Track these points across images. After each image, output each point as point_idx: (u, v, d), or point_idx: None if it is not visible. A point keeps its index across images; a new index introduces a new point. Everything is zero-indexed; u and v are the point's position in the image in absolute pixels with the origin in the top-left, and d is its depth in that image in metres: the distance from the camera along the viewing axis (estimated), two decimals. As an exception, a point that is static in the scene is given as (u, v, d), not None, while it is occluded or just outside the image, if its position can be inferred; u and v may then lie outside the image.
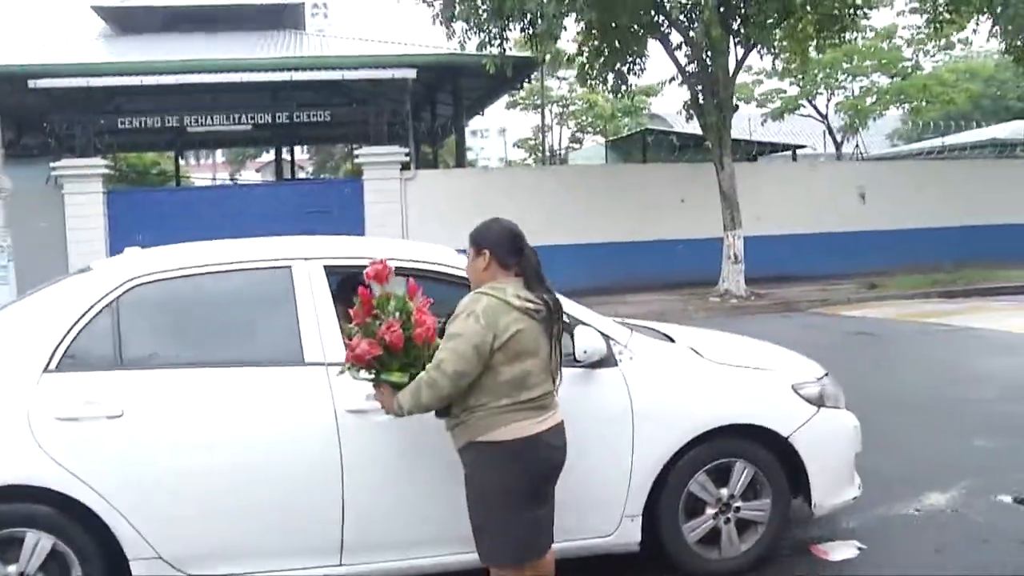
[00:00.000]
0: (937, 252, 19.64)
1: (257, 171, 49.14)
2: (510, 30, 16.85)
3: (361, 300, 3.18)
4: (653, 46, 17.93)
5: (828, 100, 30.22)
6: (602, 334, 3.79)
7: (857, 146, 25.89)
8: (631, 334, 3.97)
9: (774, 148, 26.14)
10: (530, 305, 3.17)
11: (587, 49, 18.14)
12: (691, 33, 16.92)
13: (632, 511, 3.89)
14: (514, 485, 3.14)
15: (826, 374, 4.41)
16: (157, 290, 3.69)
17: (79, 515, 3.41)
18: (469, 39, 16.74)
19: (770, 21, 16.48)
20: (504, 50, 16.90)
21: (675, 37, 17.38)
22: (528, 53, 18.40)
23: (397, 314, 3.15)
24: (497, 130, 51.44)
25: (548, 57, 18.12)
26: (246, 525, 3.52)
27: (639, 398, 3.82)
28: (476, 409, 3.14)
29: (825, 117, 29.82)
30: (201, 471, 3.47)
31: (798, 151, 27.29)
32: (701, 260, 17.96)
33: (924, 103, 27.54)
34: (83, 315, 3.57)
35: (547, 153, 35.58)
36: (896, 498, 5.14)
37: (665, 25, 17.19)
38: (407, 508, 3.64)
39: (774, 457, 4.10)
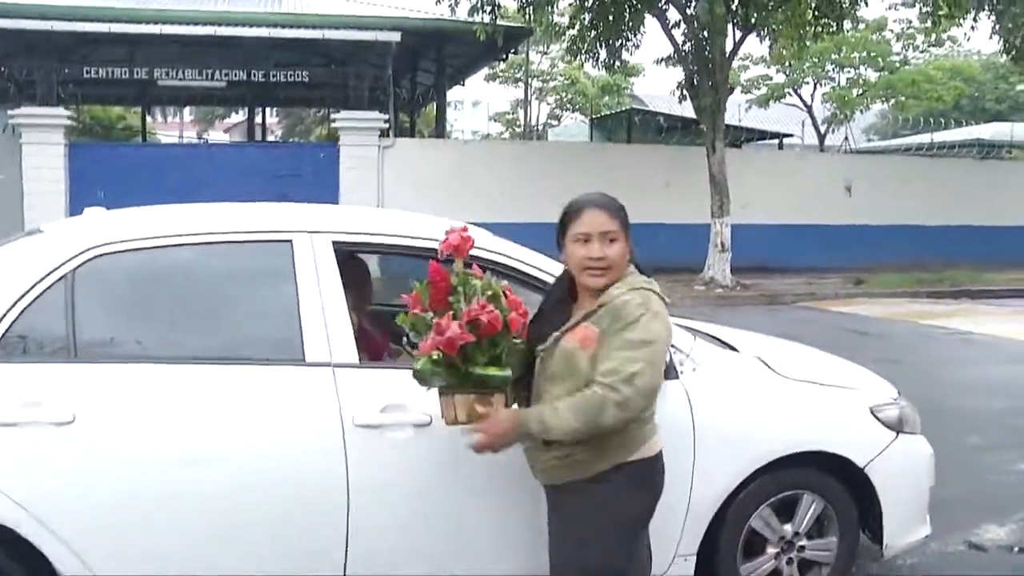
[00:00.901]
0: (921, 250, 19.42)
1: (226, 132, 47.86)
2: (504, -5, 16.21)
3: (434, 278, 2.44)
4: (648, 23, 17.41)
5: (814, 90, 29.90)
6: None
7: (846, 138, 25.52)
8: (694, 340, 3.34)
9: (762, 136, 25.69)
10: (666, 300, 2.63)
11: (579, 22, 17.56)
12: (689, 11, 16.37)
13: (687, 549, 3.27)
14: (647, 508, 2.64)
15: (900, 394, 3.84)
16: (123, 263, 2.91)
17: (18, 552, 2.67)
18: (459, 3, 16.08)
19: (771, 3, 15.96)
20: (496, 17, 16.22)
21: (672, 15, 16.87)
22: (519, 23, 17.74)
23: (483, 295, 2.44)
24: (471, 102, 50.52)
25: (542, 26, 17.43)
26: (229, 562, 2.81)
27: (703, 418, 3.18)
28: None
29: (809, 107, 29.45)
30: (174, 494, 2.74)
31: (784, 140, 26.85)
32: (685, 246, 17.46)
33: (911, 99, 27.26)
34: (27, 291, 2.79)
35: (527, 128, 34.88)
36: (948, 529, 4.58)
37: (663, 1, 16.61)
38: (428, 546, 2.96)
39: (845, 489, 3.51)
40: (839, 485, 3.50)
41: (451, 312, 2.41)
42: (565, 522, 2.62)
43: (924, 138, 25.45)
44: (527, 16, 16.38)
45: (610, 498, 2.55)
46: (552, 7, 15.92)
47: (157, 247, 2.97)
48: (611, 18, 16.77)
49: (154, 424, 2.77)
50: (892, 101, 28.95)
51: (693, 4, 16.29)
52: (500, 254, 3.16)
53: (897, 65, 28.16)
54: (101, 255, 2.90)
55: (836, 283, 17.36)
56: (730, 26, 16.47)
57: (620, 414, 2.42)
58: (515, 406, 2.67)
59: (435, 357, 2.41)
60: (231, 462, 2.80)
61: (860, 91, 28.27)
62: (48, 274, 2.83)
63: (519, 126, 37.92)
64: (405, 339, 2.58)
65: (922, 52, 30.64)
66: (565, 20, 18.74)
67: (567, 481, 2.58)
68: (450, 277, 2.47)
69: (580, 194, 2.69)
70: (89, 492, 2.70)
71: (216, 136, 45.65)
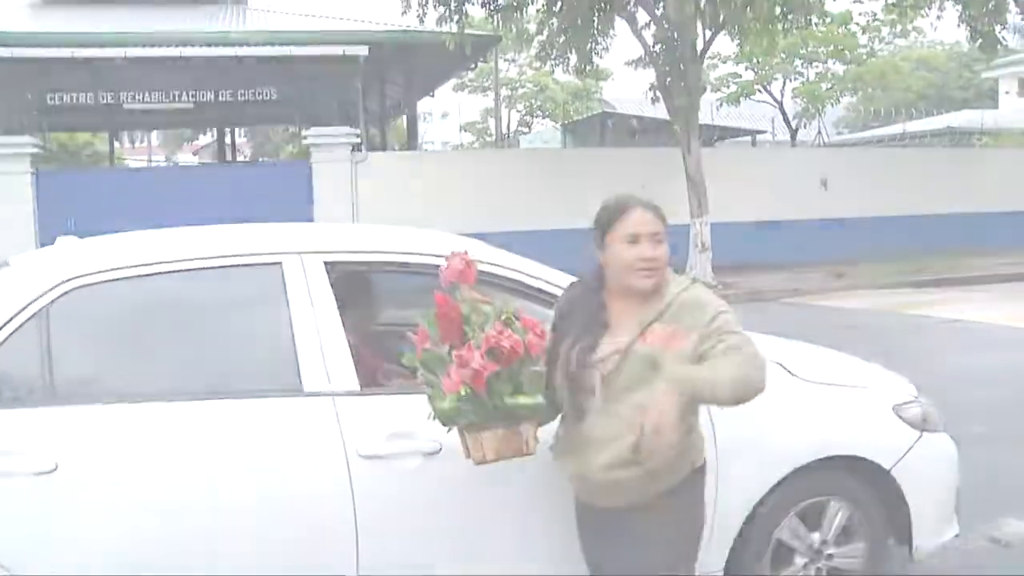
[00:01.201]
0: (899, 240, 19.46)
1: (194, 154, 47.38)
2: (471, 3, 16.06)
3: (442, 310, 2.27)
4: (618, 26, 17.36)
5: (783, 86, 29.99)
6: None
7: (819, 132, 25.60)
8: (710, 346, 3.17)
9: (734, 133, 25.72)
10: None
11: (547, 28, 17.51)
12: (658, 11, 16.32)
13: (713, 567, 3.11)
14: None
15: (919, 390, 3.70)
16: (102, 295, 2.71)
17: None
18: (427, 13, 15.93)
19: (740, 1, 15.96)
20: (463, 26, 16.11)
21: (641, 16, 16.81)
22: (486, 31, 17.66)
23: (498, 320, 2.27)
24: (440, 114, 50.44)
25: (513, 31, 17.35)
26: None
27: (724, 428, 3.01)
28: (695, 425, 2.53)
29: (780, 103, 29.53)
30: (168, 544, 2.54)
31: (757, 136, 26.91)
32: (664, 248, 17.39)
33: (882, 90, 27.44)
34: (-1, 329, 2.60)
35: (499, 136, 34.83)
36: (967, 525, 4.42)
37: (632, 3, 16.56)
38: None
39: (872, 493, 3.37)
40: (865, 488, 3.36)
41: (470, 343, 2.24)
42: (646, 539, 2.45)
43: (896, 128, 25.59)
44: (495, 24, 16.26)
45: (690, 503, 2.54)
46: (520, 14, 15.80)
47: (137, 276, 2.77)
48: (580, 22, 16.71)
49: (143, 469, 2.57)
50: (860, 93, 29.13)
51: (662, 5, 16.24)
52: (499, 266, 3.00)
53: (864, 57, 28.31)
54: (78, 287, 2.69)
55: (817, 277, 17.30)
56: (699, 25, 16.43)
57: (765, 379, 2.40)
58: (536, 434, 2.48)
59: (463, 393, 2.22)
60: (230, 506, 2.60)
61: (829, 85, 28.39)
62: (21, 310, 2.62)
63: (490, 135, 37.85)
64: (421, 374, 2.39)
65: (887, 44, 30.85)
66: (533, 27, 18.68)
67: (648, 496, 2.41)
68: (460, 306, 2.30)
69: (619, 195, 2.59)
70: (76, 545, 2.49)
71: (185, 159, 45.21)
